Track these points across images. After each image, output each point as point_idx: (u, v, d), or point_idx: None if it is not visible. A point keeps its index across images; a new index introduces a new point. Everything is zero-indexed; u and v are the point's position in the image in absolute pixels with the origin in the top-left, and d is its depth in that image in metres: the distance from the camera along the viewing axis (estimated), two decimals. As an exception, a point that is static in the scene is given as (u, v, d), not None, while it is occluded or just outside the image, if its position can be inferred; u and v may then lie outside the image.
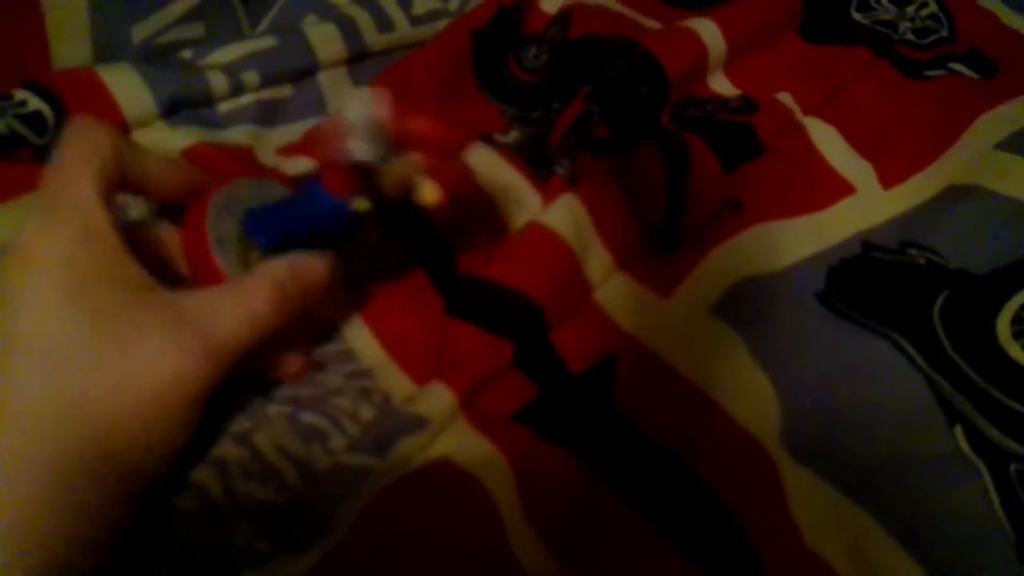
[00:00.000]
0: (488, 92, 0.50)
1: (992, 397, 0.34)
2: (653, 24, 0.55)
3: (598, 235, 0.39)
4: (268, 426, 0.32)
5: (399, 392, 0.35)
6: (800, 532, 0.32)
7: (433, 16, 0.54)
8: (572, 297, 0.38)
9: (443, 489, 0.32)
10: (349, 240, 0.34)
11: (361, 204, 0.31)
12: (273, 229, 0.32)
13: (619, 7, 0.56)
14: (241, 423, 0.32)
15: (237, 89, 0.46)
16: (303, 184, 0.34)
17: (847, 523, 0.32)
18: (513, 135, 0.47)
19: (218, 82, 0.45)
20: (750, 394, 0.36)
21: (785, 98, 0.49)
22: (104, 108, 0.42)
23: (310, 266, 0.31)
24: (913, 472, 0.33)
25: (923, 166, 0.45)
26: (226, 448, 0.31)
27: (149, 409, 0.25)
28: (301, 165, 0.40)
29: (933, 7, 0.56)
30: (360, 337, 0.36)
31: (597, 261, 0.39)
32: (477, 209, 0.41)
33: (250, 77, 0.46)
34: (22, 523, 0.23)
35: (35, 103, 0.41)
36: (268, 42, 0.48)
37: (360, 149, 0.30)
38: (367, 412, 0.34)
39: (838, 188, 0.45)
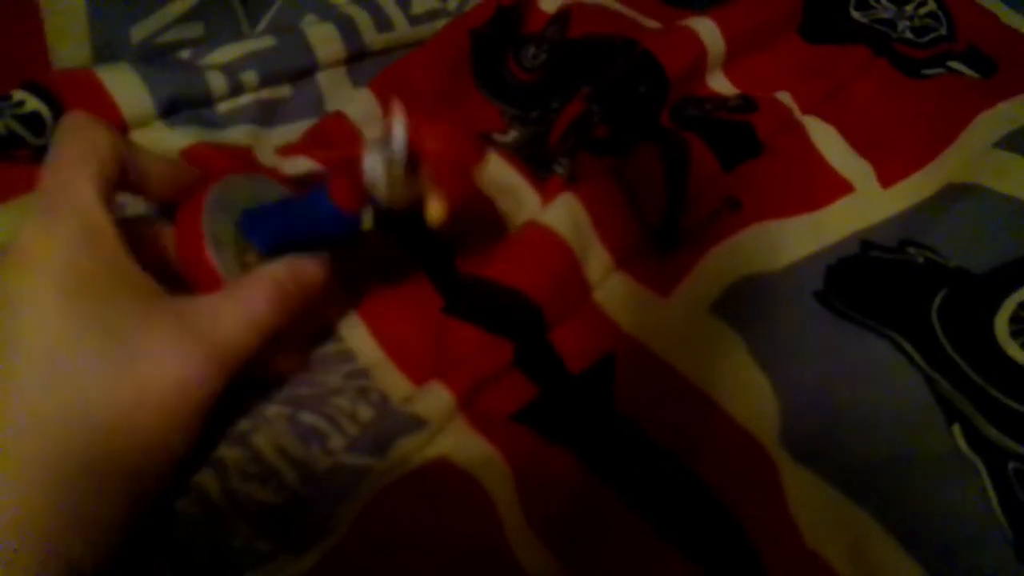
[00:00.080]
0: (487, 92, 0.50)
1: (990, 396, 0.34)
2: (652, 23, 0.55)
3: (597, 234, 0.39)
4: (267, 427, 0.32)
5: (397, 392, 0.35)
6: (800, 532, 0.32)
7: (432, 16, 0.54)
8: (571, 296, 0.38)
9: (442, 489, 0.32)
10: (349, 244, 0.34)
11: (368, 218, 0.31)
12: (272, 230, 0.32)
13: (618, 6, 0.56)
14: (240, 424, 0.32)
15: (236, 89, 0.46)
16: (305, 187, 0.34)
17: (846, 522, 0.32)
18: (512, 135, 0.47)
19: (217, 82, 0.45)
20: (749, 393, 0.36)
21: (784, 97, 0.49)
22: (103, 108, 0.42)
23: (309, 267, 0.31)
24: (912, 471, 0.33)
25: (922, 165, 0.45)
26: (225, 449, 0.31)
27: (152, 415, 0.25)
28: (300, 165, 0.40)
29: (932, 5, 0.56)
30: (358, 336, 0.36)
31: (596, 260, 0.39)
32: (479, 213, 0.41)
33: (249, 77, 0.46)
34: (22, 524, 0.22)
35: (33, 103, 0.40)
36: (267, 42, 0.48)
37: (377, 174, 0.29)
38: (365, 412, 0.34)
39: (837, 187, 0.45)
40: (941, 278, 0.39)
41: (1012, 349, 0.35)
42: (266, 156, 0.44)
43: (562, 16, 0.53)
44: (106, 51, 0.46)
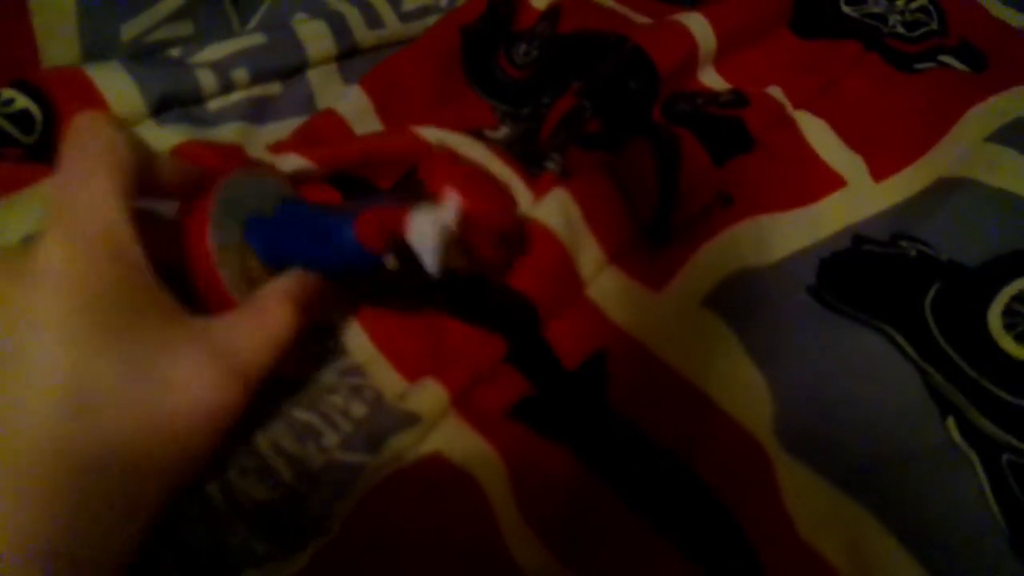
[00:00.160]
0: (478, 88, 0.50)
1: (984, 388, 0.34)
2: (643, 20, 0.55)
3: (589, 230, 0.39)
4: (263, 423, 0.32)
5: (391, 389, 0.35)
6: (794, 525, 0.32)
7: (423, 12, 0.54)
8: (564, 292, 0.38)
9: (435, 484, 0.32)
10: (362, 278, 0.33)
11: (391, 260, 0.30)
12: (283, 248, 0.32)
13: (609, 2, 0.56)
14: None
15: (227, 87, 0.46)
16: (324, 211, 0.33)
17: (842, 517, 0.32)
18: (504, 131, 0.47)
19: (207, 80, 0.45)
20: (742, 387, 0.36)
21: (776, 92, 0.49)
22: (93, 106, 0.42)
23: (315, 280, 0.31)
24: (906, 464, 0.33)
25: (914, 159, 0.45)
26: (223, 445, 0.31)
27: (176, 442, 0.25)
28: (291, 162, 0.40)
29: (923, 0, 0.56)
30: (351, 333, 0.36)
31: (589, 256, 0.39)
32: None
33: (240, 74, 0.46)
34: (31, 547, 0.22)
35: (23, 102, 0.40)
36: (258, 39, 0.47)
37: (427, 242, 0.27)
38: (359, 409, 0.34)
39: (829, 181, 0.45)
40: (934, 271, 0.39)
41: (1005, 342, 0.35)
42: (257, 153, 0.44)
43: (553, 12, 0.53)
44: (96, 49, 0.46)
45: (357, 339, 0.36)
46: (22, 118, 0.40)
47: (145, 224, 0.26)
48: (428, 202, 0.28)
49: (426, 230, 0.27)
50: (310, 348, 0.35)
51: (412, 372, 0.35)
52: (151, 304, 0.26)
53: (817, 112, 0.48)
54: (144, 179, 0.27)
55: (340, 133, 0.45)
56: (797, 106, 0.48)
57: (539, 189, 0.41)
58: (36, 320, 0.23)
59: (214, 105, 0.46)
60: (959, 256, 0.39)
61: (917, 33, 0.54)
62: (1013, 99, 0.47)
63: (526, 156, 0.44)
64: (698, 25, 0.49)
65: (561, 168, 0.42)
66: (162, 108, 0.44)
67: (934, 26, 0.54)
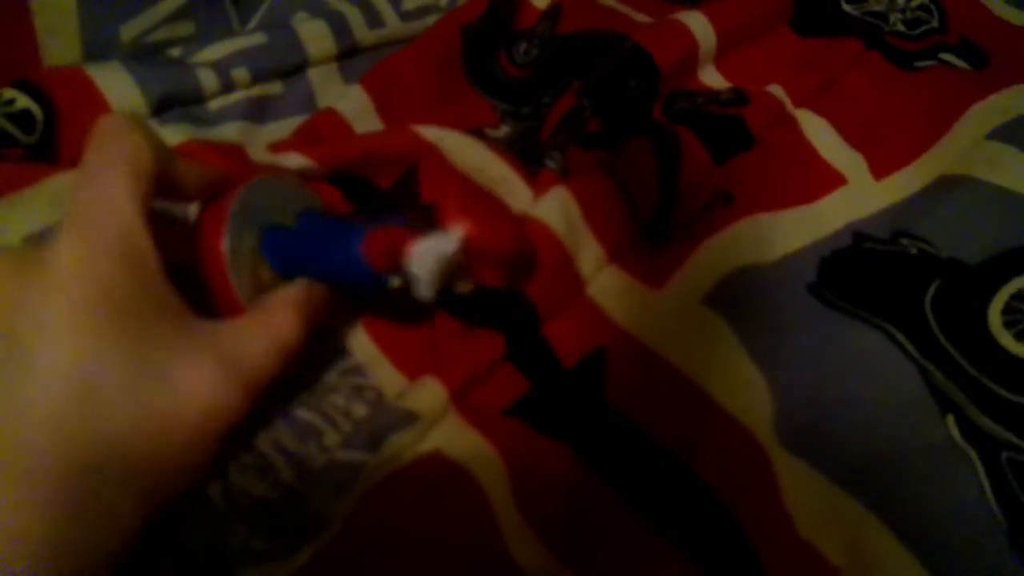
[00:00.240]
0: (479, 87, 0.50)
1: (983, 386, 0.34)
2: (643, 18, 0.55)
3: (589, 228, 0.39)
4: (264, 423, 0.32)
5: (391, 388, 0.35)
6: (795, 527, 0.32)
7: (423, 12, 0.54)
8: (564, 290, 0.38)
9: (435, 483, 0.32)
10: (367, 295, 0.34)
11: (395, 282, 0.30)
12: (294, 261, 0.32)
13: (610, 2, 0.56)
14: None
15: (227, 86, 0.46)
16: (337, 225, 0.33)
17: (842, 514, 0.32)
18: (504, 130, 0.47)
19: (208, 79, 0.45)
20: (742, 385, 0.36)
21: (776, 91, 0.49)
22: (94, 106, 0.42)
23: (323, 289, 0.31)
24: (906, 461, 0.33)
25: (914, 157, 0.45)
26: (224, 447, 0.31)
27: (179, 444, 0.25)
28: (292, 161, 0.40)
29: (923, -2, 0.56)
30: (353, 333, 0.36)
31: (589, 254, 0.39)
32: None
33: (240, 74, 0.46)
34: (32, 543, 0.22)
35: (24, 101, 0.40)
36: (258, 39, 0.47)
37: (417, 271, 0.28)
38: (360, 409, 0.34)
39: (830, 179, 0.44)
40: (934, 269, 0.39)
41: (1005, 339, 0.35)
42: (258, 153, 0.44)
43: (553, 11, 0.53)
44: (96, 49, 0.46)
45: (359, 339, 0.36)
46: (23, 118, 0.40)
47: (160, 225, 0.27)
48: (439, 229, 0.29)
49: (426, 259, 0.28)
50: (313, 348, 0.36)
51: (413, 371, 0.35)
52: (160, 307, 0.26)
53: (818, 110, 0.48)
54: (164, 182, 0.27)
55: (340, 132, 0.46)
56: (797, 104, 0.48)
57: (539, 188, 0.41)
58: (45, 318, 0.24)
59: (215, 105, 0.46)
60: (959, 254, 0.39)
61: (918, 31, 0.54)
62: (1014, 97, 0.47)
63: (526, 155, 0.44)
64: (698, 24, 0.49)
65: (561, 167, 0.42)
66: (163, 108, 0.44)
67: (934, 24, 0.54)
